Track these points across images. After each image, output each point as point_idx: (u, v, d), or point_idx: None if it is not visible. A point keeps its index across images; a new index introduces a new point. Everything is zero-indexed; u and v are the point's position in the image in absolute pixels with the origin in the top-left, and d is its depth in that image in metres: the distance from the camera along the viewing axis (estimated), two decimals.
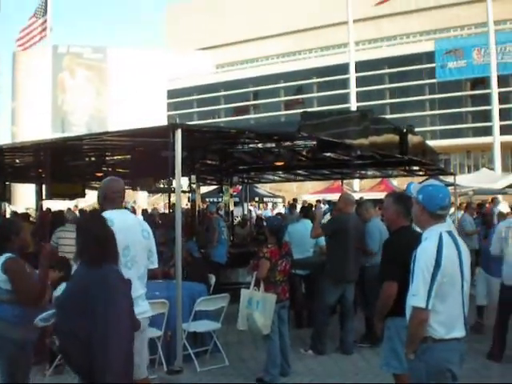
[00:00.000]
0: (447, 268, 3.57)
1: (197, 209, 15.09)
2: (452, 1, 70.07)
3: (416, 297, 3.57)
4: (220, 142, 9.82)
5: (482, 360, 7.19)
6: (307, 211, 10.80)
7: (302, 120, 7.25)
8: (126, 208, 20.63)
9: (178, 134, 6.52)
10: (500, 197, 21.97)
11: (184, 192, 14.25)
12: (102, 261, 3.74)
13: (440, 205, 3.78)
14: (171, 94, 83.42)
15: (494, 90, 37.62)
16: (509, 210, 18.94)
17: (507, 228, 7.35)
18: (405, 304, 3.73)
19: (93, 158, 11.72)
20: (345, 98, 46.10)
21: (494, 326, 7.52)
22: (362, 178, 22.56)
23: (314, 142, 9.25)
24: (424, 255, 3.62)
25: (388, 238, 5.22)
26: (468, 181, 23.76)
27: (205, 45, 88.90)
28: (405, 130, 9.87)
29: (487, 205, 16.58)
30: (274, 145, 10.43)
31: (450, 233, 3.76)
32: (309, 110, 54.46)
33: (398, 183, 27.56)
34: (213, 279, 8.56)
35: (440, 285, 3.54)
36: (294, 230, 9.85)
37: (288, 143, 10.16)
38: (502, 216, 12.44)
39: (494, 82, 37.59)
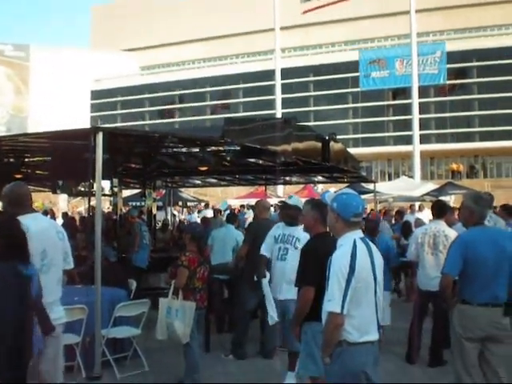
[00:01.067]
0: (361, 273, 3.69)
1: (118, 213, 14.89)
2: (376, 12, 71.91)
3: (331, 302, 3.66)
4: (143, 146, 9.73)
5: (396, 362, 7.42)
6: (232, 217, 10.92)
7: (225, 126, 7.28)
8: (45, 210, 20.08)
9: (100, 137, 6.42)
10: (419, 204, 22.65)
11: (105, 195, 14.04)
12: (9, 258, 3.92)
13: (354, 212, 3.93)
14: (95, 94, 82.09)
15: (415, 100, 38.83)
16: (431, 217, 19.55)
17: (423, 234, 7.60)
18: (321, 309, 3.82)
19: (11, 159, 11.38)
20: (270, 104, 46.60)
21: (410, 328, 7.75)
22: (286, 183, 22.80)
23: (238, 148, 9.30)
24: (339, 261, 3.74)
25: (305, 243, 5.31)
26: (388, 188, 24.42)
27: (130, 46, 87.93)
28: (327, 138, 10.05)
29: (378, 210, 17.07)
30: (197, 149, 10.41)
31: (363, 239, 3.92)
32: (234, 115, 54.94)
33: (323, 189, 27.98)
34: (133, 284, 8.45)
35: (354, 290, 3.65)
36: (217, 234, 9.89)
37: (212, 148, 10.17)
38: (420, 222, 12.87)
39: (414, 92, 38.80)
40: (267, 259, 6.97)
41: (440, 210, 7.82)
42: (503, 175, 65.97)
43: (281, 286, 6.60)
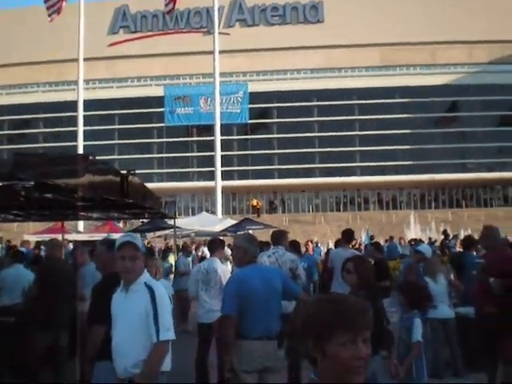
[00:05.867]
0: None
1: None
2: (183, 49, 72.84)
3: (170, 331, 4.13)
4: None
5: None
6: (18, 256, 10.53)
7: (15, 160, 6.92)
8: None
9: None
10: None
11: None
12: None
13: None
14: None
15: (218, 138, 39.83)
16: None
17: (197, 271, 8.36)
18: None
19: None
20: (73, 136, 45.21)
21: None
22: (86, 219, 22.15)
23: (32, 183, 8.88)
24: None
25: (97, 283, 5.26)
26: (189, 223, 24.69)
27: None
28: (125, 173, 9.92)
29: None
30: None
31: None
32: (34, 145, 52.21)
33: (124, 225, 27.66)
34: None
35: None
36: (6, 275, 9.37)
37: (4, 183, 9.62)
38: None
39: (217, 129, 39.82)
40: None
41: (212, 247, 8.57)
42: (300, 210, 69.88)
43: None
